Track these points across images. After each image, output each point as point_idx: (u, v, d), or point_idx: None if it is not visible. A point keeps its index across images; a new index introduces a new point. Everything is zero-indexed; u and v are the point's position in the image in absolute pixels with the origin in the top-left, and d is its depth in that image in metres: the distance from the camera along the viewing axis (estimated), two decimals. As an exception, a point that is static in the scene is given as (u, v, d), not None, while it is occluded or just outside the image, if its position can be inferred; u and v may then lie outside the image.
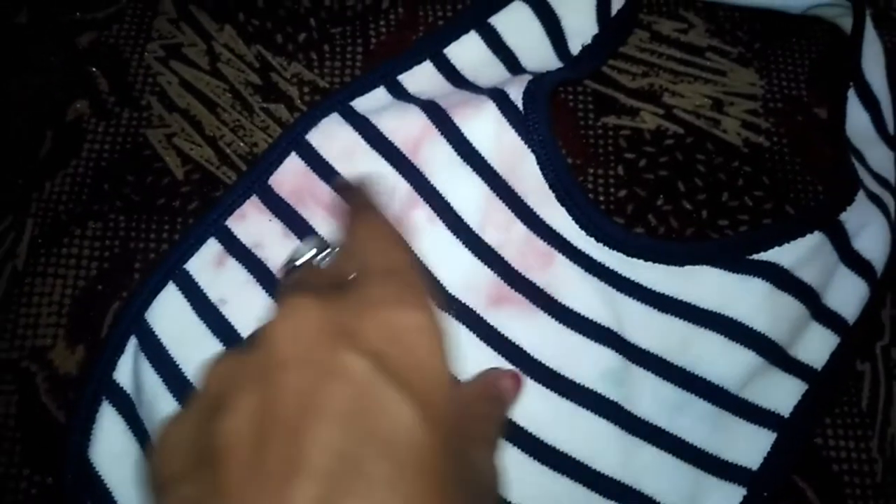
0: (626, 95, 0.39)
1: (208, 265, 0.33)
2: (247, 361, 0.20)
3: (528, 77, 0.36)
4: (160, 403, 0.30)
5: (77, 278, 0.34)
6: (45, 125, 0.37)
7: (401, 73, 0.37)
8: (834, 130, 0.38)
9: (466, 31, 0.38)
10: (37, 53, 0.39)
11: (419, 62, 0.37)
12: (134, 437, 0.31)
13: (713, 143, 0.38)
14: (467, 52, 0.38)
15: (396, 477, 0.18)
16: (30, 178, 0.36)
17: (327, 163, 0.35)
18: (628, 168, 0.37)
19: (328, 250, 0.25)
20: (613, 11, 0.39)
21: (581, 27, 0.38)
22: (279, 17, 0.40)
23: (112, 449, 0.31)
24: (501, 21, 0.38)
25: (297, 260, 0.25)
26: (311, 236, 0.30)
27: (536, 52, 0.38)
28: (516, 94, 0.35)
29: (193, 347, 0.31)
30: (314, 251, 0.25)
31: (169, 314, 0.32)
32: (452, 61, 0.38)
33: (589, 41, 0.38)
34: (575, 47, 0.38)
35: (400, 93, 0.37)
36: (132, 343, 0.32)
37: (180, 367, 0.31)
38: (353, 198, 0.26)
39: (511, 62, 0.38)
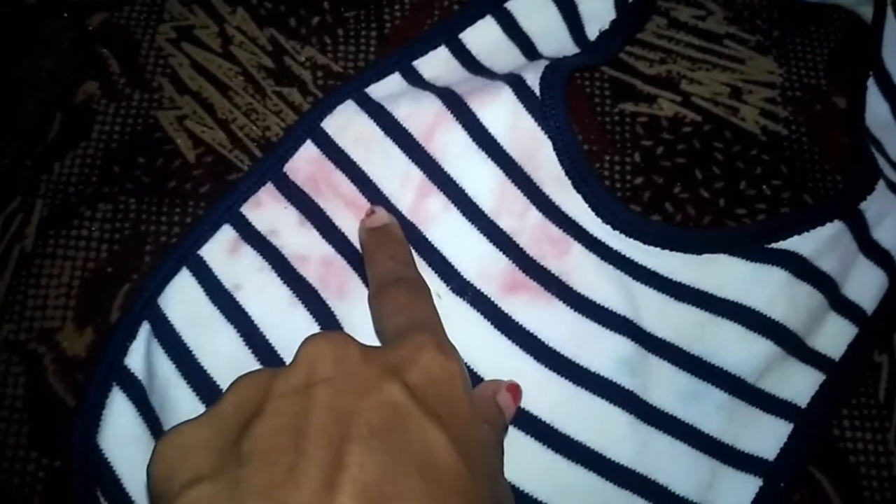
0: (643, 82, 0.38)
1: (223, 251, 0.32)
2: (284, 375, 0.21)
3: (544, 62, 0.36)
4: (173, 390, 0.30)
5: (87, 260, 0.34)
6: (55, 106, 0.37)
7: (416, 58, 0.37)
8: (853, 120, 0.37)
9: (482, 16, 0.37)
10: (47, 34, 0.38)
11: (434, 48, 0.37)
12: (144, 423, 0.30)
13: (731, 131, 0.38)
14: (483, 37, 0.37)
15: (430, 493, 0.18)
16: (39, 160, 0.36)
17: (342, 150, 0.34)
18: (645, 155, 0.37)
19: None
20: None
21: (598, 11, 0.38)
22: (292, 0, 0.39)
23: (122, 434, 0.30)
24: (517, 5, 0.38)
25: None
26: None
27: (553, 36, 0.38)
28: (533, 79, 0.35)
29: (207, 333, 0.31)
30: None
31: (182, 299, 0.31)
32: (468, 46, 0.37)
33: (606, 26, 0.38)
34: (592, 32, 0.38)
35: (415, 79, 0.36)
36: (144, 328, 0.31)
37: (194, 353, 0.30)
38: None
39: (527, 47, 0.37)
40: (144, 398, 0.31)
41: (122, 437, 0.30)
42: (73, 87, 0.37)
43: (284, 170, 0.34)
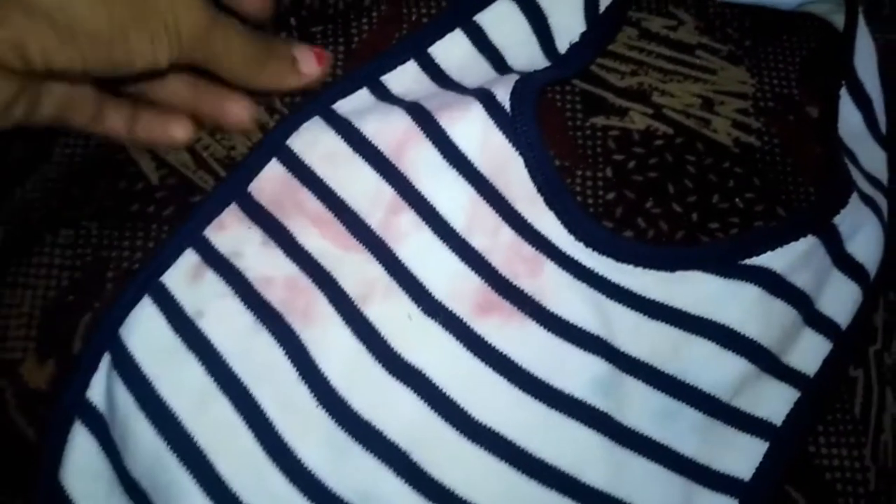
0: (614, 95, 0.38)
1: (186, 277, 0.31)
2: None
3: (514, 76, 0.35)
4: (133, 423, 0.29)
5: (48, 288, 0.33)
6: (15, 129, 0.36)
7: (384, 73, 0.36)
8: (826, 130, 0.37)
9: (451, 30, 0.37)
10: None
11: (403, 62, 0.36)
12: (107, 458, 0.30)
13: (703, 144, 0.37)
14: (452, 50, 0.37)
15: None
16: (-1, 184, 0.35)
17: (309, 168, 0.34)
18: (617, 170, 0.37)
19: None
20: (601, 8, 0.38)
21: (569, 24, 0.37)
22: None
23: (85, 471, 0.29)
24: (487, 19, 0.37)
25: None
26: None
27: (523, 50, 0.37)
28: (503, 94, 0.34)
29: (169, 364, 0.30)
30: None
31: (143, 329, 0.31)
32: (437, 61, 0.37)
33: (577, 39, 0.37)
34: (563, 45, 0.37)
35: (384, 94, 0.36)
36: (106, 360, 0.30)
37: (154, 385, 0.30)
38: None
39: (497, 61, 0.37)
40: (107, 433, 0.30)
41: (84, 473, 0.29)
42: (33, 108, 0.36)
43: (249, 190, 0.33)
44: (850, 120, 0.37)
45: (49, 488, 0.29)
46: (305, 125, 0.34)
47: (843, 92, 0.37)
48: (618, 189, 0.36)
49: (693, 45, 0.39)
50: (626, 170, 0.37)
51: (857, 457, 0.33)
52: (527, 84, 0.35)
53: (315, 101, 0.35)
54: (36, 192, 0.35)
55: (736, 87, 0.39)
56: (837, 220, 0.34)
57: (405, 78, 0.36)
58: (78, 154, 0.35)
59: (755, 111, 0.38)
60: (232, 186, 0.33)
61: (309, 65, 0.30)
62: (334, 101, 0.35)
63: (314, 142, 0.34)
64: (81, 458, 0.29)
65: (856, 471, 0.33)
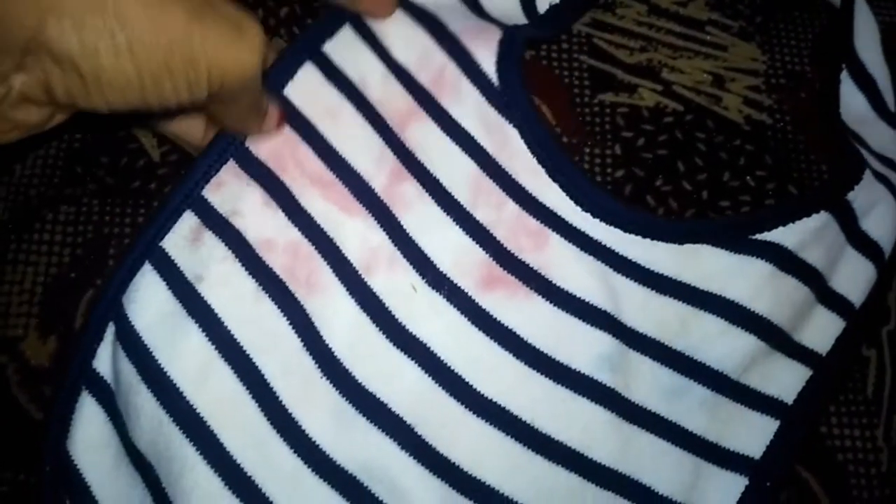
0: (623, 71, 0.37)
1: (185, 241, 0.30)
2: None
3: (494, 32, 0.34)
4: (135, 395, 0.29)
5: (49, 265, 0.33)
6: (15, 105, 0.35)
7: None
8: (828, 115, 0.36)
9: None
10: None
11: None
12: (114, 428, 0.29)
13: (714, 121, 0.37)
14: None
15: None
16: (-1, 161, 0.34)
17: (309, 122, 0.32)
18: (626, 147, 0.36)
19: None
20: None
21: None
22: (260, -9, 0.38)
23: (92, 441, 0.29)
24: None
25: None
26: None
27: (501, 5, 0.36)
28: (489, 64, 0.33)
29: (170, 333, 0.29)
30: None
31: (144, 297, 0.30)
32: (417, 3, 0.35)
33: (557, 0, 0.36)
34: (542, 5, 0.36)
35: (363, 28, 0.34)
36: (110, 330, 0.30)
37: (154, 354, 0.29)
38: None
39: (476, 9, 0.36)
40: (113, 403, 0.29)
41: (92, 444, 0.29)
42: (33, 85, 0.36)
43: (246, 144, 0.32)
44: (853, 103, 0.36)
45: (56, 458, 0.29)
46: (300, 73, 0.33)
47: (845, 76, 0.37)
48: (627, 166, 0.36)
49: (703, 21, 0.39)
50: (636, 147, 0.36)
51: (870, 437, 0.32)
52: (510, 49, 0.34)
53: (301, 42, 0.33)
54: (37, 169, 0.34)
55: (747, 64, 0.38)
56: (851, 196, 0.33)
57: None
58: (79, 131, 0.35)
59: (767, 88, 0.38)
60: (228, 140, 0.31)
61: (270, 123, 0.31)
62: (322, 41, 0.33)
63: (314, 94, 0.32)
64: (89, 429, 0.29)
65: (868, 451, 0.32)
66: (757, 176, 0.36)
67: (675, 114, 0.37)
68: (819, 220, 0.33)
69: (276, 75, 0.33)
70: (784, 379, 0.32)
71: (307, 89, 0.32)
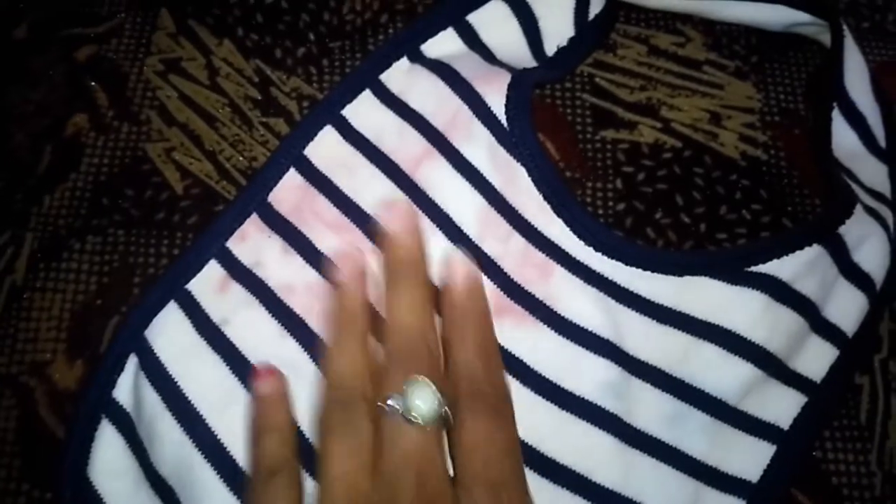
0: (624, 109, 0.39)
1: (212, 290, 0.33)
2: None
3: (504, 76, 0.36)
4: (159, 423, 0.30)
5: (76, 293, 0.34)
6: (45, 139, 0.37)
7: (380, 72, 0.37)
8: (820, 152, 0.38)
9: (444, 28, 0.38)
10: (36, 67, 0.39)
11: (397, 59, 0.37)
12: (133, 455, 0.31)
13: (711, 157, 0.38)
14: (444, 48, 0.38)
15: None
16: (29, 193, 0.36)
17: (326, 177, 0.35)
18: (626, 181, 0.38)
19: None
20: (591, 15, 0.39)
21: (558, 29, 0.39)
22: (278, 32, 0.40)
23: (111, 467, 0.30)
24: (479, 18, 0.38)
25: (411, 412, 0.25)
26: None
27: (512, 50, 0.38)
28: (499, 107, 0.35)
29: (194, 364, 0.31)
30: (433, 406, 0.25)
31: (169, 332, 0.32)
32: (430, 58, 0.38)
33: (564, 43, 0.39)
34: (550, 48, 0.39)
35: (382, 93, 0.37)
36: (132, 361, 0.32)
37: (179, 384, 0.31)
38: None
39: (488, 58, 0.38)
40: (133, 431, 0.31)
41: (111, 469, 0.30)
42: (62, 120, 0.38)
43: (269, 200, 0.34)
44: (844, 139, 0.38)
45: (76, 483, 0.30)
46: (321, 134, 0.36)
47: (836, 113, 0.38)
48: (627, 200, 0.37)
49: (701, 61, 0.40)
50: (636, 181, 0.38)
51: (864, 462, 0.33)
52: (519, 92, 0.36)
53: (323, 107, 0.36)
54: (65, 201, 0.36)
55: (743, 102, 0.40)
56: (843, 230, 0.35)
57: (398, 75, 0.37)
58: (105, 164, 0.37)
59: (762, 125, 0.39)
60: (252, 195, 0.35)
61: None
62: (342, 106, 0.36)
63: (331, 153, 0.35)
64: (108, 455, 0.31)
65: (862, 476, 0.33)
66: (752, 209, 0.37)
67: (674, 150, 0.38)
68: (812, 253, 0.34)
69: (297, 138, 0.35)
70: (780, 405, 0.33)
71: (325, 149, 0.35)
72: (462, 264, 0.29)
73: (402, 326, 0.27)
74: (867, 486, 0.33)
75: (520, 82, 0.36)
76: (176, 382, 0.31)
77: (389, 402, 0.25)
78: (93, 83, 0.39)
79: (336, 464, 0.25)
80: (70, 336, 0.34)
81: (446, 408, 0.25)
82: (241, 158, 0.37)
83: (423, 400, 0.25)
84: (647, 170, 0.38)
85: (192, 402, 0.30)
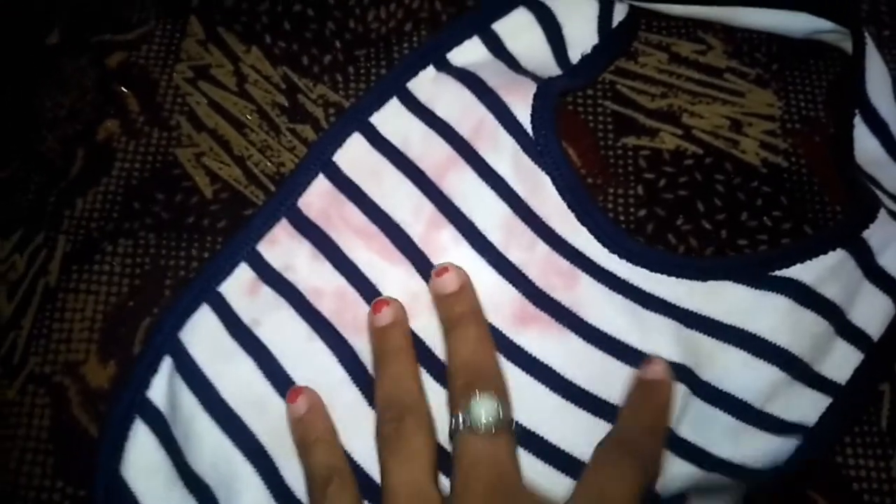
0: (645, 116, 0.40)
1: (242, 292, 0.33)
2: None
3: (530, 86, 0.37)
4: (197, 423, 0.31)
5: (109, 294, 0.35)
6: (77, 144, 0.38)
7: (408, 81, 0.38)
8: (843, 159, 0.38)
9: (469, 37, 0.39)
10: (68, 73, 0.40)
11: (424, 67, 0.38)
12: (167, 454, 0.31)
13: (732, 164, 0.39)
14: (469, 56, 0.38)
15: None
16: (62, 196, 0.37)
17: (354, 183, 0.36)
18: (648, 188, 0.38)
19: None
20: (614, 23, 0.40)
21: (582, 36, 0.39)
22: (305, 40, 0.41)
23: (145, 466, 0.31)
24: (504, 27, 0.39)
25: (477, 421, 0.27)
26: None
27: (537, 58, 0.39)
28: (524, 116, 0.36)
29: (228, 366, 0.32)
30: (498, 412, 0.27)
31: (203, 334, 0.33)
32: (455, 66, 0.38)
33: (588, 51, 0.39)
34: (575, 56, 0.39)
35: (410, 100, 0.37)
36: (167, 363, 0.32)
37: (215, 386, 0.32)
38: None
39: (513, 66, 0.39)
40: (167, 430, 0.32)
41: (144, 468, 0.31)
42: (93, 125, 0.39)
43: (298, 205, 0.35)
44: (866, 147, 0.38)
45: (110, 481, 0.31)
46: (349, 140, 0.36)
47: (858, 120, 0.38)
48: (649, 207, 0.38)
49: (722, 68, 0.41)
50: (657, 188, 0.38)
51: (884, 468, 0.34)
52: (544, 102, 0.36)
53: (351, 114, 0.37)
54: (97, 204, 0.37)
55: (764, 110, 0.40)
56: (866, 234, 0.35)
57: (426, 82, 0.38)
58: (136, 169, 0.38)
59: (782, 132, 0.40)
60: (282, 201, 0.35)
61: None
62: (370, 113, 0.37)
63: (360, 160, 0.36)
64: (141, 454, 0.31)
65: (882, 481, 0.33)
66: (773, 216, 0.38)
67: (695, 157, 0.39)
68: (835, 258, 0.34)
69: (326, 144, 0.36)
70: (805, 406, 0.33)
71: (353, 156, 0.36)
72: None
73: (464, 358, 0.30)
74: (888, 491, 0.33)
75: (545, 92, 0.36)
76: (211, 383, 0.32)
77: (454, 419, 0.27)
78: (123, 89, 0.39)
79: (395, 473, 0.27)
80: (102, 337, 0.34)
81: (511, 416, 0.28)
82: (268, 164, 0.38)
83: (487, 410, 0.27)
84: (669, 176, 0.38)
85: (229, 402, 0.31)
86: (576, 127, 0.39)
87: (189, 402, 0.31)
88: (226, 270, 0.34)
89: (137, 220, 0.37)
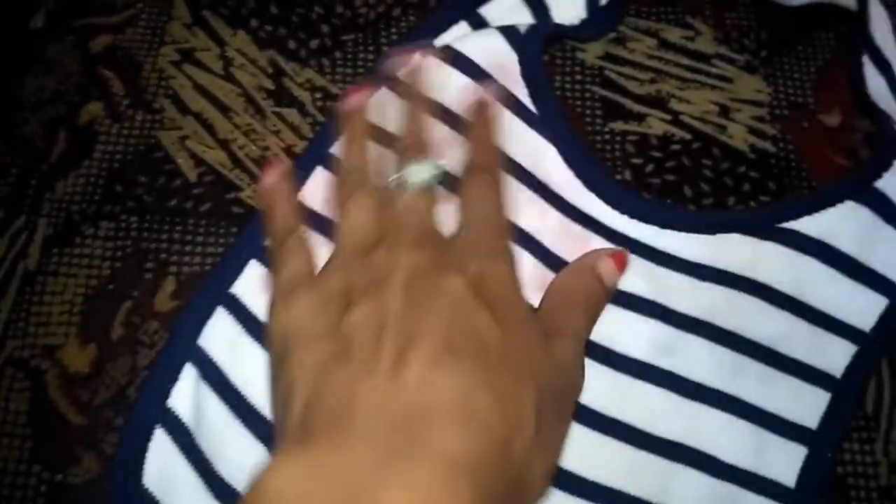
0: (633, 101, 0.39)
1: (255, 290, 0.33)
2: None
3: (514, 60, 0.37)
4: (228, 431, 0.31)
5: (89, 277, 0.35)
6: (59, 126, 0.38)
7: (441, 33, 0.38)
8: (861, 96, 0.39)
9: (456, 22, 0.39)
10: (52, 56, 0.39)
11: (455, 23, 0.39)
12: (190, 463, 0.31)
13: (720, 149, 0.39)
14: (501, 7, 0.39)
15: (480, 366, 0.21)
16: (43, 179, 0.36)
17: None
18: (636, 173, 0.38)
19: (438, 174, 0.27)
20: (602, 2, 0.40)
21: (570, 19, 0.39)
22: (292, 24, 0.40)
23: (167, 476, 0.30)
24: (491, 10, 0.39)
25: (410, 181, 0.26)
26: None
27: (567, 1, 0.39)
28: (522, 92, 0.36)
29: (253, 369, 0.31)
30: (429, 174, 0.27)
31: (223, 339, 0.32)
32: (488, 20, 0.39)
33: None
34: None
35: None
36: (189, 371, 0.32)
37: (242, 392, 0.31)
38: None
39: (540, 12, 0.39)
40: (189, 439, 0.31)
41: (168, 478, 0.30)
42: (76, 108, 0.38)
43: (301, 198, 0.35)
44: (875, 84, 0.39)
45: (133, 491, 0.30)
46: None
47: (865, 58, 0.39)
48: (636, 191, 0.37)
49: (710, 54, 0.41)
50: (645, 173, 0.38)
51: (869, 451, 0.33)
52: (540, 82, 0.37)
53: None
54: (78, 187, 0.36)
55: (752, 96, 0.40)
56: (880, 184, 0.35)
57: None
58: (119, 152, 0.37)
59: (771, 119, 0.39)
60: None
61: None
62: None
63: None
64: (163, 463, 0.31)
65: (867, 465, 0.33)
66: (761, 201, 0.37)
67: (683, 142, 0.39)
68: (845, 209, 0.35)
69: (321, 137, 0.36)
70: (832, 354, 0.33)
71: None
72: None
73: (411, 124, 0.30)
74: (872, 475, 0.33)
75: (530, 61, 0.37)
76: (239, 390, 0.31)
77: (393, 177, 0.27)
78: (107, 72, 0.39)
79: (350, 217, 0.26)
80: (82, 320, 0.34)
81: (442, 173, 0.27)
82: (253, 147, 0.37)
83: (420, 169, 0.27)
84: (656, 161, 0.38)
85: (257, 408, 0.31)
86: (563, 111, 0.39)
87: (216, 410, 0.31)
88: (235, 270, 0.33)
89: (119, 203, 0.36)
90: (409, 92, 0.31)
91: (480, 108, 0.30)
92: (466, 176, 0.27)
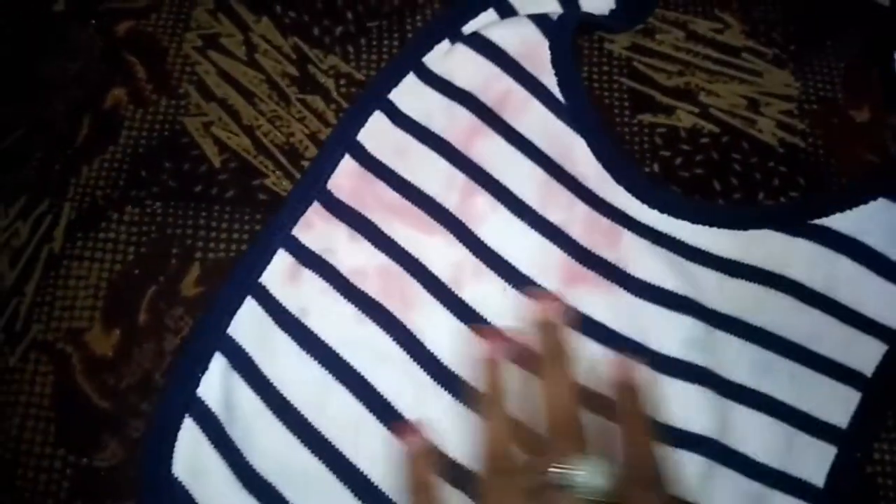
0: (661, 94, 0.39)
1: (283, 279, 0.33)
2: None
3: (545, 47, 0.37)
4: (259, 420, 0.31)
5: (114, 262, 0.34)
6: (83, 111, 0.38)
7: (423, 55, 0.38)
8: (893, 94, 0.39)
9: (484, 9, 0.39)
10: (75, 40, 0.39)
11: (438, 41, 0.38)
12: (219, 453, 0.31)
13: (749, 143, 0.38)
14: None
15: None
16: (68, 163, 0.36)
17: (381, 162, 0.35)
18: (664, 166, 0.37)
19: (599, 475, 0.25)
20: None
21: (598, 6, 0.39)
22: (316, 10, 0.40)
23: (197, 465, 0.30)
24: None
25: (579, 483, 0.25)
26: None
27: None
28: (551, 81, 0.36)
29: (284, 361, 0.31)
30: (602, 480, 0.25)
31: (251, 328, 0.32)
32: (515, 6, 0.38)
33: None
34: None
35: (427, 74, 0.37)
36: (219, 361, 0.32)
37: (274, 383, 0.31)
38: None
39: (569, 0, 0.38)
40: (219, 428, 0.31)
41: (197, 467, 0.30)
42: (100, 93, 0.38)
43: (328, 187, 0.35)
44: None
45: (162, 479, 0.30)
46: (371, 120, 0.36)
47: None
48: (665, 184, 0.37)
49: (739, 47, 0.40)
50: (673, 166, 0.37)
51: (898, 451, 0.33)
52: (571, 75, 0.36)
53: (370, 93, 0.37)
54: (103, 172, 0.36)
55: (781, 90, 0.39)
56: None
57: (443, 57, 0.37)
58: (143, 137, 0.37)
59: (800, 113, 0.39)
60: (310, 184, 0.35)
61: None
62: (388, 90, 0.37)
63: (383, 137, 0.36)
64: (191, 452, 0.31)
65: (897, 464, 0.33)
66: (790, 196, 0.37)
67: (712, 135, 0.38)
68: (877, 206, 0.35)
69: (348, 124, 0.36)
70: (861, 352, 0.33)
71: (377, 134, 0.36)
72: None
73: (558, 407, 0.28)
74: (902, 475, 0.33)
75: (559, 49, 0.36)
76: (270, 381, 0.31)
77: (552, 469, 0.25)
78: (131, 57, 0.39)
79: None
80: (106, 304, 0.34)
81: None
82: (278, 134, 0.37)
83: (593, 472, 0.25)
84: (685, 154, 0.38)
85: (289, 398, 0.31)
86: (592, 103, 0.38)
87: (248, 400, 0.31)
88: (265, 259, 0.33)
89: (144, 188, 0.36)
90: (552, 360, 0.29)
91: (628, 390, 0.28)
92: (628, 490, 0.25)
